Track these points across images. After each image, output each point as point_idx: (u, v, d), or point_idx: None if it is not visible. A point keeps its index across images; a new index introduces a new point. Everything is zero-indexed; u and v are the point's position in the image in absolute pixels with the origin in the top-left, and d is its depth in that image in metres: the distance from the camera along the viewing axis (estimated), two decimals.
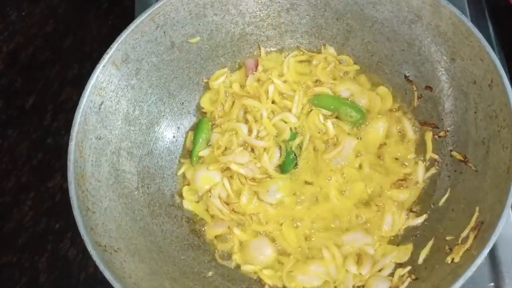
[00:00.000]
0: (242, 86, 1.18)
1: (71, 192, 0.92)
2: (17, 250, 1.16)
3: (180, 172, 1.13)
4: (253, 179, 1.08)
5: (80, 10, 1.43)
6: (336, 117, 1.12)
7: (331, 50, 1.17)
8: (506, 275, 0.98)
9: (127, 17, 1.06)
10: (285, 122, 1.12)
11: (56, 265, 1.14)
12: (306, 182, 1.08)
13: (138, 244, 0.99)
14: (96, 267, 0.87)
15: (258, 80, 1.17)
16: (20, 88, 1.33)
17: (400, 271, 0.94)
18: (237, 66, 1.20)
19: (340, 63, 1.16)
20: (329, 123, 1.10)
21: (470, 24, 0.93)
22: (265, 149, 1.09)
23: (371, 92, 1.13)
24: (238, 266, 1.04)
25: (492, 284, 0.98)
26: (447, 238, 0.91)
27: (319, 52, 1.18)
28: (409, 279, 0.92)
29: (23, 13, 1.41)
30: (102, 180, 1.00)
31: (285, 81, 1.15)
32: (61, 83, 1.32)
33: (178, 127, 1.17)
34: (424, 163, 1.05)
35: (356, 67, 1.15)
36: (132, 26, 1.04)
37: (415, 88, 1.08)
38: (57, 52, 1.37)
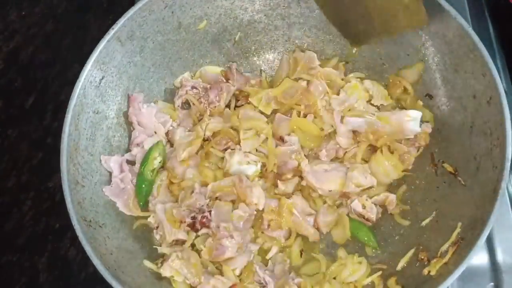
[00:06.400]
0: None
1: (62, 164, 0.93)
2: (17, 250, 1.16)
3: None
4: None
5: (80, 10, 1.42)
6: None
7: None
8: (506, 275, 0.99)
9: None
10: None
11: (56, 265, 1.15)
12: None
13: (124, 221, 1.01)
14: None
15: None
16: (20, 88, 1.33)
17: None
18: (242, 54, 1.20)
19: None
20: None
21: (476, 38, 0.92)
22: None
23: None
24: None
25: (492, 284, 0.99)
26: (427, 249, 0.92)
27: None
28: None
29: (23, 13, 1.40)
30: (95, 154, 1.02)
31: None
32: (61, 83, 1.32)
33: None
34: None
35: (361, 74, 1.14)
36: (140, 4, 1.03)
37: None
38: (57, 52, 1.37)
